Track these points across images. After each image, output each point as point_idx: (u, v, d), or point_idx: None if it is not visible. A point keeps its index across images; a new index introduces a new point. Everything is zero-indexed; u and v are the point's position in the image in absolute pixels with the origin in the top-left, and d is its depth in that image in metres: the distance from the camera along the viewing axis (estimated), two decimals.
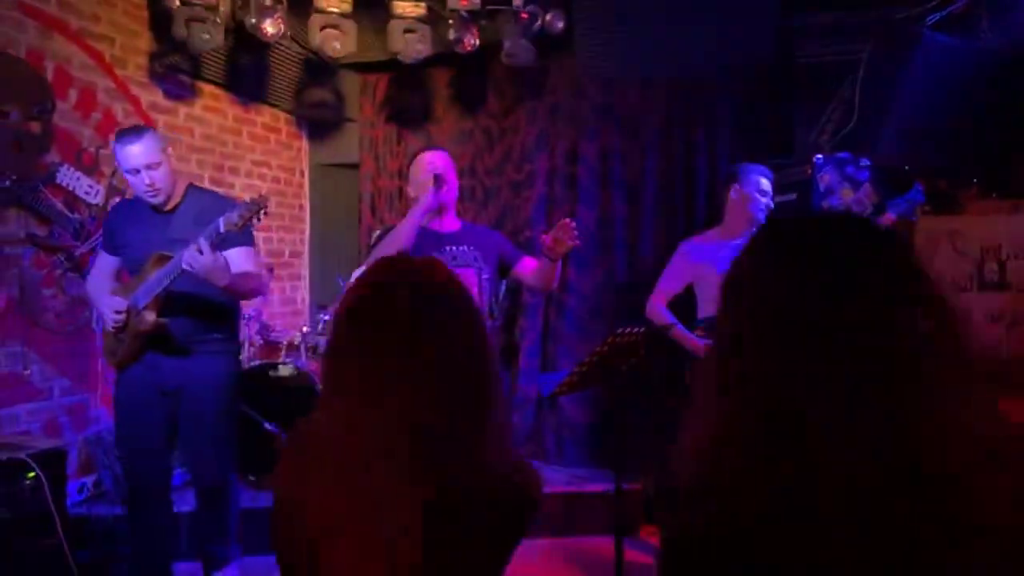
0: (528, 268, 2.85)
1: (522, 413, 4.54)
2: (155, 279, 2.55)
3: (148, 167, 2.58)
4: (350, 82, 5.08)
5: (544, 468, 4.27)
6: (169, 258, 2.53)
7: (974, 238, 4.12)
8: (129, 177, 2.65)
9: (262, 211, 2.37)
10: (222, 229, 2.36)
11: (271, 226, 5.02)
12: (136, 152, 2.56)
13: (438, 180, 2.66)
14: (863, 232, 0.82)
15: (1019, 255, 3.97)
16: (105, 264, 2.86)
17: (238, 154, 4.68)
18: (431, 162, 2.76)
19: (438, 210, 2.75)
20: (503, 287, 4.60)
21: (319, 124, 5.30)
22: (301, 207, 5.34)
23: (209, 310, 2.72)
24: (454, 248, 2.76)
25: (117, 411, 2.82)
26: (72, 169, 3.52)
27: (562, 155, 4.63)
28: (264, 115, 4.91)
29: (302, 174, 5.34)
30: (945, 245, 4.22)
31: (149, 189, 2.61)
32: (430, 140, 5.02)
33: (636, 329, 2.45)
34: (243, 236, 2.60)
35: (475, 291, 2.72)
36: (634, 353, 2.51)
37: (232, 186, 4.61)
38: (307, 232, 5.39)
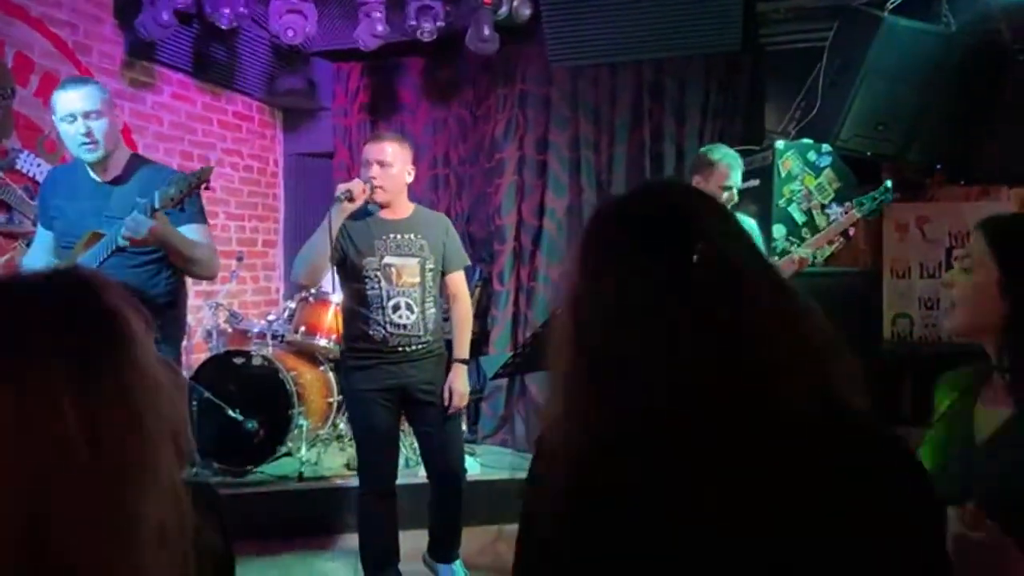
0: (450, 287, 2.83)
1: (493, 401, 4.54)
2: (85, 261, 2.25)
3: (87, 115, 2.30)
4: (323, 70, 5.06)
5: (514, 455, 4.27)
6: (102, 237, 2.26)
7: (942, 224, 4.11)
8: (63, 126, 2.34)
9: (203, 183, 2.12)
10: (157, 204, 2.10)
11: (244, 215, 5.02)
12: (76, 97, 2.29)
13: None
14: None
15: None
16: (42, 240, 2.56)
17: (208, 142, 4.67)
18: (366, 153, 2.74)
19: (384, 200, 2.71)
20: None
21: (294, 113, 5.28)
22: (275, 196, 5.33)
23: (142, 301, 2.43)
24: (399, 236, 2.70)
25: None
26: (33, 155, 3.52)
27: (532, 143, 4.62)
28: (236, 103, 4.89)
29: (276, 163, 5.33)
30: (914, 231, 4.22)
31: (85, 139, 2.31)
32: (404, 129, 4.99)
33: None
34: (191, 212, 2.34)
35: (418, 281, 2.69)
36: None
37: None
38: (281, 221, 5.38)
